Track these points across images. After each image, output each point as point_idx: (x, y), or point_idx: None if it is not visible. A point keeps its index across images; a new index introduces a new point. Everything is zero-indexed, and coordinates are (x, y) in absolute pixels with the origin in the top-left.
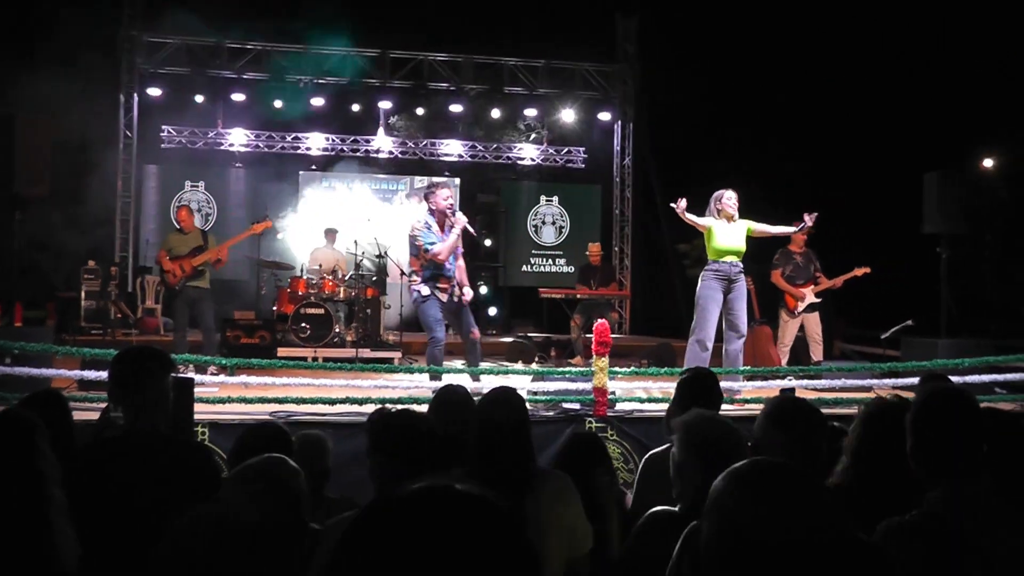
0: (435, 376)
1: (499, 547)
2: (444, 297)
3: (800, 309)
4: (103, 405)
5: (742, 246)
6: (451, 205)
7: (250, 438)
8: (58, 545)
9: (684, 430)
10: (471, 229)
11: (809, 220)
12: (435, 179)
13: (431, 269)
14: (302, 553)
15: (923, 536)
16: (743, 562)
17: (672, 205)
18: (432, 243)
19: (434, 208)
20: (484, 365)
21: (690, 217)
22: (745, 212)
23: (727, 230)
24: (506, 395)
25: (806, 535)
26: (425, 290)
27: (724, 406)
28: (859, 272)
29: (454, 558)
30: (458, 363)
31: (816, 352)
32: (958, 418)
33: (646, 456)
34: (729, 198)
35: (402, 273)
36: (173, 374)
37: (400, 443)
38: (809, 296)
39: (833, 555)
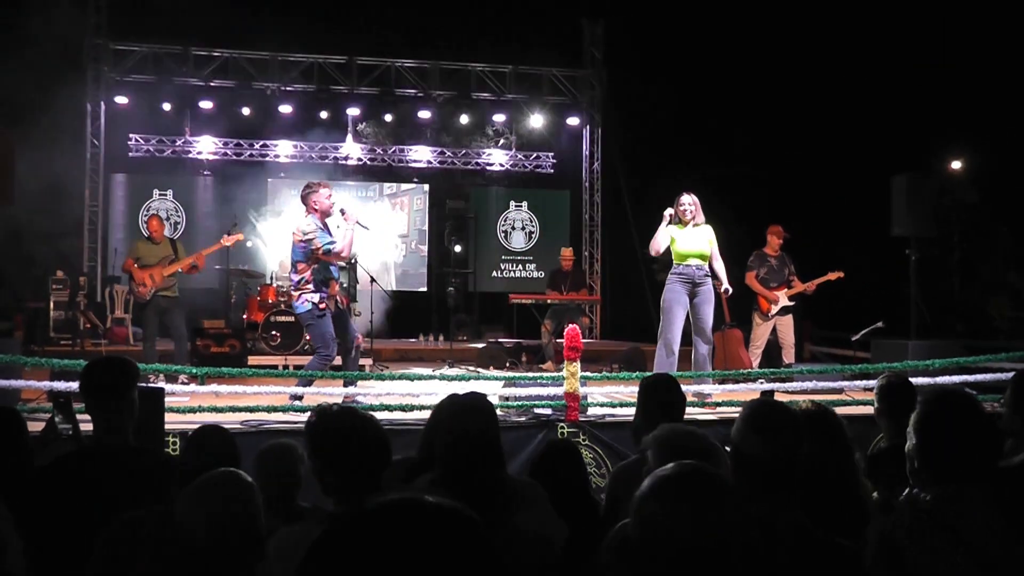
0: (308, 382)
1: (467, 558)
2: (332, 306)
3: (773, 312)
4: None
5: (705, 249)
6: (333, 203)
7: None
8: (9, 561)
9: (657, 444)
10: (363, 225)
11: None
12: (315, 181)
13: (323, 273)
14: (254, 569)
15: (916, 533)
16: (664, 564)
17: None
18: (332, 243)
19: (317, 208)
20: (452, 371)
21: (657, 245)
22: (714, 216)
23: (687, 234)
24: (475, 401)
25: (724, 538)
26: (318, 298)
27: (696, 410)
28: (832, 276)
29: (423, 570)
30: (421, 370)
31: (788, 355)
32: (964, 421)
33: (616, 468)
34: (682, 203)
35: (295, 285)
36: (140, 384)
37: (338, 447)
38: (783, 299)
39: (750, 557)
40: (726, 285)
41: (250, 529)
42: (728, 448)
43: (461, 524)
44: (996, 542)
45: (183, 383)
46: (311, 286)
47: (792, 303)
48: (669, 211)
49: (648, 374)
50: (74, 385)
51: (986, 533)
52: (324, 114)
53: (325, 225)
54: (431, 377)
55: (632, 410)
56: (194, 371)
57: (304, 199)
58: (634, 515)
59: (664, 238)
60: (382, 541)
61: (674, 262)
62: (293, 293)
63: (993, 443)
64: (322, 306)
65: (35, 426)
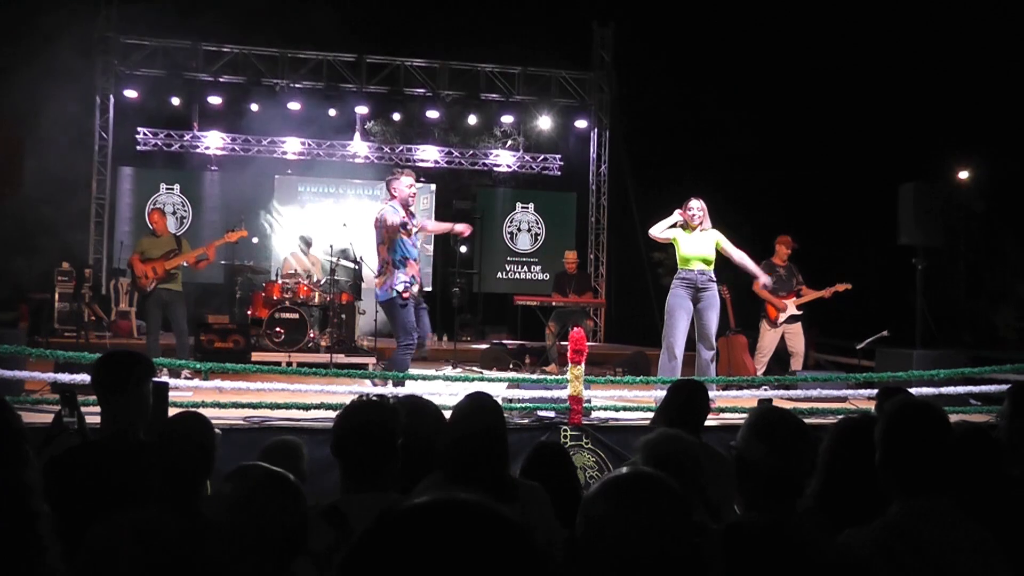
0: (400, 382)
1: (513, 559)
2: (416, 291)
3: (781, 320)
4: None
5: (709, 254)
6: (414, 194)
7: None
8: (48, 563)
9: (645, 449)
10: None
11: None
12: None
13: (401, 251)
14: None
15: (880, 547)
16: (606, 566)
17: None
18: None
19: (396, 195)
20: (455, 372)
21: (658, 233)
22: (719, 222)
23: (692, 239)
24: (481, 400)
25: (665, 545)
26: (401, 287)
27: None
28: (840, 288)
29: (468, 571)
30: (423, 370)
31: (797, 364)
32: (926, 432)
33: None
34: (691, 207)
35: (378, 273)
36: (152, 379)
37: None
38: (791, 307)
39: (690, 566)
40: (764, 280)
41: (296, 524)
42: (733, 453)
43: (503, 523)
44: (963, 559)
45: (187, 378)
46: (393, 269)
47: (800, 312)
48: (679, 212)
49: (654, 378)
50: (78, 377)
51: (954, 549)
52: (332, 112)
53: (408, 212)
54: (434, 377)
55: (635, 414)
56: (198, 366)
57: (386, 185)
58: (581, 515)
59: (667, 232)
60: (423, 542)
61: (679, 266)
62: (377, 280)
63: (961, 454)
64: (405, 295)
65: (37, 417)
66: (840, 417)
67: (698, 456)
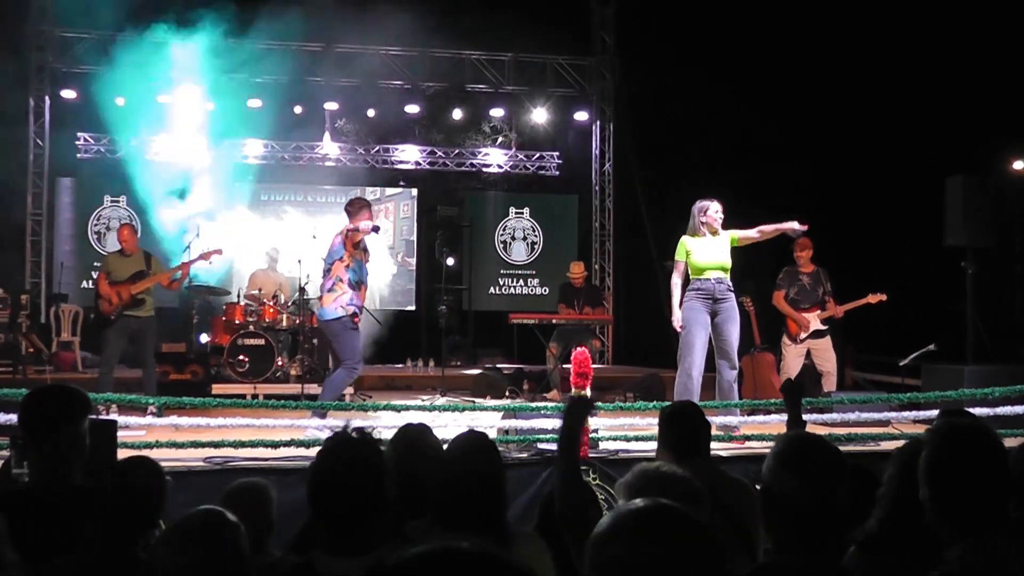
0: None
1: None
2: (359, 320)
3: (803, 336)
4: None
5: (726, 260)
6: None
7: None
8: None
9: (627, 492)
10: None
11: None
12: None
13: (359, 273)
14: None
15: None
16: None
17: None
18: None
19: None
20: (444, 401)
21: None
22: (737, 224)
23: (707, 245)
24: (477, 442)
25: None
26: (353, 310)
27: (723, 444)
28: (873, 299)
29: None
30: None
31: (829, 384)
32: (979, 462)
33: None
34: (716, 211)
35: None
36: (91, 416)
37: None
38: (814, 322)
39: None
40: (795, 226)
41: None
42: (759, 488)
43: (507, 571)
44: None
45: (152, 414)
46: (344, 285)
47: (826, 327)
48: (700, 216)
49: (668, 403)
50: (14, 417)
51: None
52: (298, 109)
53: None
54: (420, 408)
55: (650, 444)
56: (151, 401)
57: (347, 214)
58: (593, 559)
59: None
60: None
61: (692, 277)
62: (323, 297)
63: (1017, 481)
64: (356, 320)
65: None
66: (905, 442)
67: (696, 492)
